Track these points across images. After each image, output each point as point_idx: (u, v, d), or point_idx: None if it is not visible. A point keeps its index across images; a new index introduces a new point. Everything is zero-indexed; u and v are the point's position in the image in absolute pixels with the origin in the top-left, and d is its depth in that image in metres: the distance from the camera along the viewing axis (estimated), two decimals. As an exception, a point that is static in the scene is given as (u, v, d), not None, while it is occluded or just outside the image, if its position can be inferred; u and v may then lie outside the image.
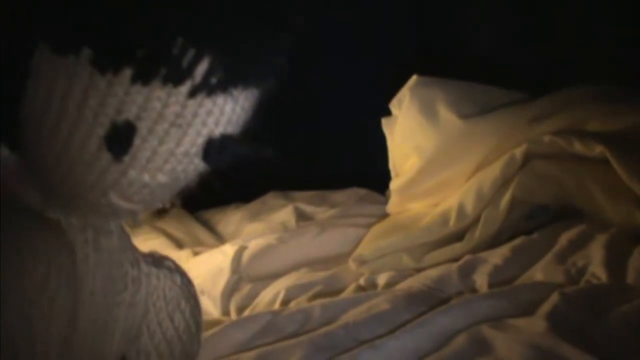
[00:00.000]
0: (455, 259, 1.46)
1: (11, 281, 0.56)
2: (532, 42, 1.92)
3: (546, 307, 1.10)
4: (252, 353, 1.09)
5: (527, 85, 1.81)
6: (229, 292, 1.55)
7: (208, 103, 0.58)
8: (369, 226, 1.77)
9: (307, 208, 2.03)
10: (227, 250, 1.72)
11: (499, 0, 1.99)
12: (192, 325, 0.73)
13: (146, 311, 0.69)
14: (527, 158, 1.56)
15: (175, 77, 0.56)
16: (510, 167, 1.56)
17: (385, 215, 1.84)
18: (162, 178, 0.60)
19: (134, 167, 0.59)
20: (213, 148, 0.60)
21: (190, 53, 0.56)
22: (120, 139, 0.57)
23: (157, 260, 0.71)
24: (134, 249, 0.68)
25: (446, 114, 1.69)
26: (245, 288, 1.56)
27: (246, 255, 1.69)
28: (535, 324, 1.04)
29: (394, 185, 1.81)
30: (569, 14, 1.86)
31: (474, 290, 1.33)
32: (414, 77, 1.78)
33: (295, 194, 2.15)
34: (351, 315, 1.21)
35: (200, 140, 0.59)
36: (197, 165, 0.61)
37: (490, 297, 1.20)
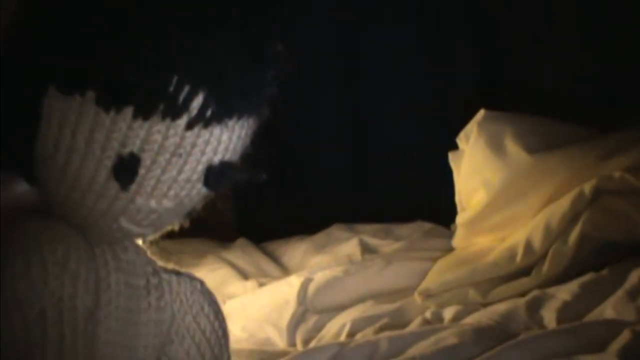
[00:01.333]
0: (522, 295, 1.45)
1: (34, 261, 0.62)
2: (599, 76, 1.90)
3: (617, 344, 1.08)
4: (320, 384, 1.09)
5: (594, 120, 1.79)
6: (295, 323, 1.56)
7: (205, 134, 0.64)
8: (434, 260, 1.76)
9: (372, 241, 2.03)
10: (293, 282, 1.73)
11: (563, 34, 1.98)
12: (219, 330, 0.75)
13: (172, 316, 0.71)
14: (597, 194, 1.54)
15: (173, 112, 0.62)
16: (579, 202, 1.54)
17: (450, 250, 1.83)
18: (167, 203, 0.66)
19: (140, 195, 0.64)
20: (213, 174, 0.66)
21: (186, 90, 0.62)
22: (126, 169, 0.63)
23: (176, 271, 0.74)
24: (152, 262, 0.72)
25: (514, 149, 1.68)
26: (312, 320, 1.57)
27: (312, 287, 1.69)
28: (607, 361, 1.03)
29: (460, 219, 1.80)
30: (634, 45, 1.84)
31: (542, 326, 1.31)
32: (482, 111, 1.78)
33: (360, 227, 2.15)
34: (418, 348, 1.21)
35: (201, 168, 0.65)
36: (199, 190, 0.67)
37: (559, 333, 1.19)
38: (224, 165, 0.66)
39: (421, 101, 2.22)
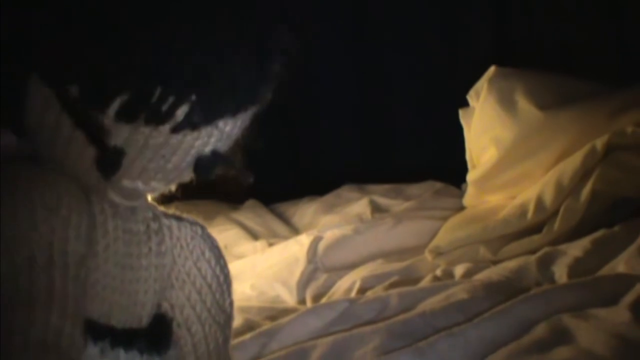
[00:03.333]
0: (533, 252, 1.44)
1: (23, 205, 0.60)
2: (611, 32, 1.88)
3: (630, 297, 1.08)
4: (329, 339, 1.09)
5: (607, 76, 1.78)
6: (305, 281, 1.56)
7: (194, 133, 0.61)
8: (445, 219, 1.75)
9: (383, 201, 2.02)
10: (303, 241, 1.72)
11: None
12: (220, 275, 0.74)
13: (172, 261, 0.70)
14: (609, 150, 1.53)
15: (156, 120, 0.60)
16: (591, 158, 1.53)
17: (461, 209, 1.82)
18: (155, 185, 0.64)
19: (126, 178, 0.63)
20: (203, 163, 0.64)
21: (170, 100, 0.59)
22: (110, 161, 0.61)
23: (177, 216, 0.73)
24: (153, 207, 0.71)
25: (525, 105, 1.67)
26: (321, 278, 1.57)
27: (322, 245, 1.69)
28: (619, 314, 1.03)
29: (471, 177, 1.79)
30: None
31: (553, 281, 1.31)
32: (492, 68, 1.76)
33: (370, 187, 2.14)
34: (429, 303, 1.20)
35: (189, 159, 0.63)
36: (189, 174, 0.65)
37: (570, 287, 1.18)
38: (215, 155, 0.64)
39: (431, 58, 2.20)
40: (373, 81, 2.31)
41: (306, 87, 2.22)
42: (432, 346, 1.02)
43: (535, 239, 1.50)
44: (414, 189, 2.07)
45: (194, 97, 0.60)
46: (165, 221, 0.70)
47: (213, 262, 0.73)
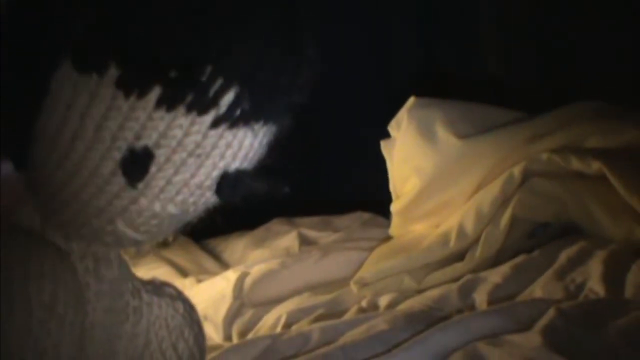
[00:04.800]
0: (457, 279, 1.46)
1: (19, 302, 0.55)
2: (532, 62, 1.92)
3: (542, 322, 1.09)
4: (249, 376, 1.09)
5: (529, 104, 1.81)
6: (231, 318, 1.55)
7: (229, 135, 0.58)
8: (371, 250, 1.76)
9: (311, 233, 2.03)
10: (230, 277, 1.72)
11: (502, 21, 2.00)
12: (196, 353, 0.72)
13: (148, 342, 0.68)
14: (526, 176, 1.55)
15: (201, 105, 0.56)
16: (509, 185, 1.55)
17: (388, 239, 1.84)
18: (172, 209, 0.59)
19: (145, 196, 0.58)
20: (227, 182, 0.60)
21: (218, 82, 0.56)
22: (137, 165, 0.57)
23: (158, 288, 0.69)
24: (135, 278, 0.67)
25: (444, 135, 1.69)
26: (248, 313, 1.56)
27: (248, 280, 1.69)
28: (531, 339, 1.04)
29: (394, 207, 1.81)
30: (569, 33, 1.87)
31: (473, 308, 1.32)
32: (412, 99, 1.78)
33: (300, 220, 2.15)
34: (350, 336, 1.20)
35: (216, 174, 0.59)
36: (208, 198, 0.61)
37: (487, 314, 1.19)
38: (241, 174, 0.60)
39: (358, 89, 2.22)
40: (300, 114, 2.32)
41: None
42: (350, 379, 1.02)
43: (458, 267, 1.52)
44: (343, 220, 2.09)
45: (238, 88, 0.56)
46: (145, 297, 0.67)
47: (191, 341, 0.71)
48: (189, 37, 0.55)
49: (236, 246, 2.12)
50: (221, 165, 0.59)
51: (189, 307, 0.72)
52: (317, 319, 1.42)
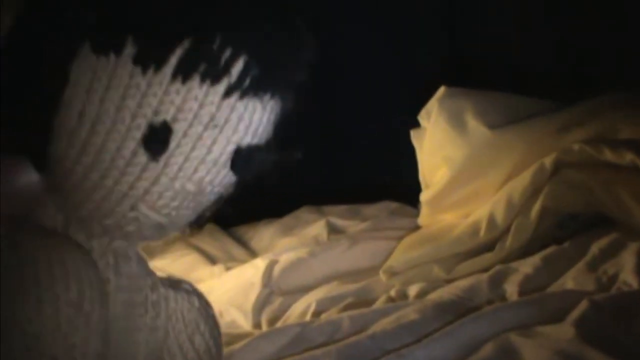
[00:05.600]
0: (486, 270, 1.45)
1: (47, 302, 0.56)
2: (564, 50, 1.91)
3: (575, 314, 1.09)
4: (280, 364, 1.09)
5: (559, 94, 1.80)
6: (260, 306, 1.56)
7: (240, 107, 0.60)
8: (399, 239, 1.76)
9: (339, 222, 2.03)
10: (259, 264, 1.73)
11: (531, 9, 1.99)
12: (213, 347, 0.72)
13: (166, 335, 0.69)
14: (557, 167, 1.54)
15: (214, 74, 0.58)
16: (540, 176, 1.54)
17: (417, 228, 1.84)
18: (191, 187, 0.61)
19: (166, 174, 0.59)
20: (241, 157, 0.61)
21: (228, 51, 0.58)
22: (158, 139, 0.58)
23: (174, 283, 0.70)
24: (152, 274, 0.68)
25: (475, 125, 1.69)
26: (277, 301, 1.57)
27: (277, 269, 1.69)
28: (564, 331, 1.04)
29: (424, 197, 1.81)
30: (601, 22, 1.85)
31: (504, 299, 1.32)
32: (442, 88, 1.78)
33: (328, 209, 2.15)
34: (380, 325, 1.20)
35: (230, 149, 0.60)
36: (224, 177, 0.62)
37: (519, 305, 1.19)
38: (253, 149, 0.62)
39: (386, 78, 2.22)
40: (328, 103, 2.32)
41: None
42: (380, 368, 1.03)
43: (488, 257, 1.52)
44: (371, 209, 2.08)
45: (246, 57, 0.59)
46: (162, 291, 0.68)
47: (207, 334, 0.71)
48: (199, 8, 0.58)
49: (264, 234, 2.13)
50: (234, 139, 0.60)
51: (204, 302, 0.72)
52: (346, 308, 1.42)
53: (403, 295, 1.46)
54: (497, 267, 1.43)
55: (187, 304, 0.70)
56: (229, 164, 0.61)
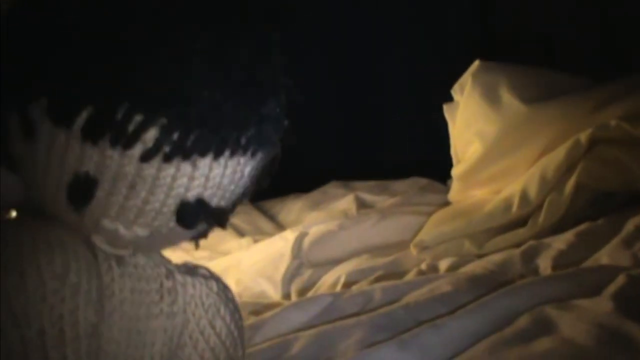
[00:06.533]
0: (518, 245, 1.44)
1: (30, 274, 0.56)
2: (600, 27, 1.88)
3: (612, 288, 1.07)
4: (312, 331, 1.09)
5: (593, 70, 1.78)
6: (289, 277, 1.55)
7: (169, 168, 0.56)
8: (429, 214, 1.75)
9: (368, 197, 2.02)
10: (288, 236, 1.72)
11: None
12: (234, 330, 0.72)
13: (186, 321, 0.68)
14: (593, 143, 1.53)
15: (122, 141, 0.54)
16: (575, 152, 1.53)
17: (446, 204, 1.82)
18: (139, 231, 0.58)
19: (105, 217, 0.57)
20: (187, 212, 0.58)
21: (137, 119, 0.54)
22: (80, 190, 0.56)
23: (190, 270, 0.70)
24: (168, 262, 0.67)
25: (509, 99, 1.67)
26: (306, 273, 1.56)
27: (307, 241, 1.69)
28: (601, 304, 1.02)
29: (455, 171, 1.79)
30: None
31: (537, 274, 1.30)
32: (476, 62, 1.76)
33: (356, 184, 2.15)
34: (412, 296, 1.20)
35: (172, 202, 0.57)
36: (175, 224, 0.59)
37: (554, 279, 1.18)
38: (200, 204, 0.57)
39: (417, 53, 2.20)
40: (357, 78, 2.31)
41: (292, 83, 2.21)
42: (415, 338, 1.01)
43: (520, 232, 1.50)
44: (399, 185, 2.07)
45: (165, 121, 0.54)
46: (179, 278, 0.67)
47: (228, 318, 0.70)
48: (101, 75, 0.54)
49: (292, 208, 2.13)
50: (173, 194, 0.57)
51: (223, 286, 0.71)
52: (376, 281, 1.41)
53: (434, 269, 1.45)
54: (530, 243, 1.42)
55: (206, 288, 0.69)
56: (174, 217, 0.58)
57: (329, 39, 2.28)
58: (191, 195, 0.57)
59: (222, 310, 0.70)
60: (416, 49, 2.21)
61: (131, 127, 0.54)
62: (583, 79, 1.73)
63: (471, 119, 1.73)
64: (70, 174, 0.56)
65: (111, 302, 0.60)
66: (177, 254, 0.70)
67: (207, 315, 0.69)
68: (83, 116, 0.54)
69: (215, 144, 0.56)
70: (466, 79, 1.75)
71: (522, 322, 1.03)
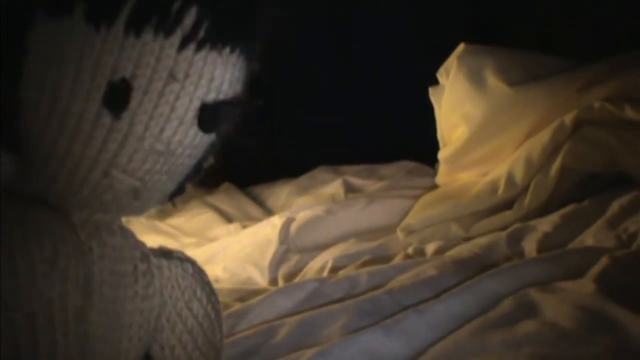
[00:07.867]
0: (505, 228, 1.44)
1: (20, 259, 0.57)
2: (582, 8, 1.88)
3: (595, 270, 1.08)
4: (297, 317, 1.09)
5: (579, 52, 1.78)
6: (277, 262, 1.56)
7: (198, 61, 0.59)
8: (417, 198, 1.75)
9: (356, 181, 2.03)
10: (275, 222, 1.72)
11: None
12: (211, 312, 0.72)
13: (163, 303, 0.68)
14: (578, 125, 1.53)
15: (167, 26, 0.57)
16: (560, 134, 1.53)
17: (434, 188, 1.83)
18: (159, 147, 0.60)
19: (132, 135, 0.59)
20: (207, 114, 0.60)
21: (178, 1, 0.57)
22: (118, 96, 0.57)
23: (166, 253, 0.70)
24: (142, 245, 0.68)
25: (494, 82, 1.67)
26: (293, 258, 1.56)
27: (294, 226, 1.69)
28: (584, 286, 1.03)
29: (442, 155, 1.79)
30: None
31: (522, 256, 1.31)
32: (462, 45, 1.76)
33: (344, 168, 2.15)
34: (398, 281, 1.20)
35: (194, 105, 0.60)
36: (194, 137, 0.61)
37: (538, 261, 1.18)
38: (219, 105, 0.60)
39: (403, 36, 2.20)
40: (344, 62, 2.31)
41: (279, 70, 2.21)
42: (399, 323, 1.02)
43: (506, 215, 1.51)
44: (387, 169, 2.07)
45: (197, 8, 0.58)
46: (154, 261, 0.68)
47: (204, 300, 0.71)
48: None
49: (280, 193, 2.13)
50: (198, 94, 0.59)
51: (198, 269, 0.72)
52: (363, 265, 1.41)
53: (420, 253, 1.45)
54: (516, 225, 1.43)
55: (181, 271, 0.70)
56: (196, 122, 0.60)
57: (317, 21, 2.28)
58: (210, 97, 0.60)
59: (199, 292, 0.71)
60: (404, 33, 2.20)
61: (174, 9, 0.57)
62: (569, 61, 1.73)
63: (457, 102, 1.73)
64: (102, 85, 0.57)
65: (91, 284, 0.61)
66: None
67: (184, 297, 0.70)
68: (127, 8, 0.56)
69: (236, 35, 0.61)
70: (451, 62, 1.75)
71: (506, 305, 1.03)
